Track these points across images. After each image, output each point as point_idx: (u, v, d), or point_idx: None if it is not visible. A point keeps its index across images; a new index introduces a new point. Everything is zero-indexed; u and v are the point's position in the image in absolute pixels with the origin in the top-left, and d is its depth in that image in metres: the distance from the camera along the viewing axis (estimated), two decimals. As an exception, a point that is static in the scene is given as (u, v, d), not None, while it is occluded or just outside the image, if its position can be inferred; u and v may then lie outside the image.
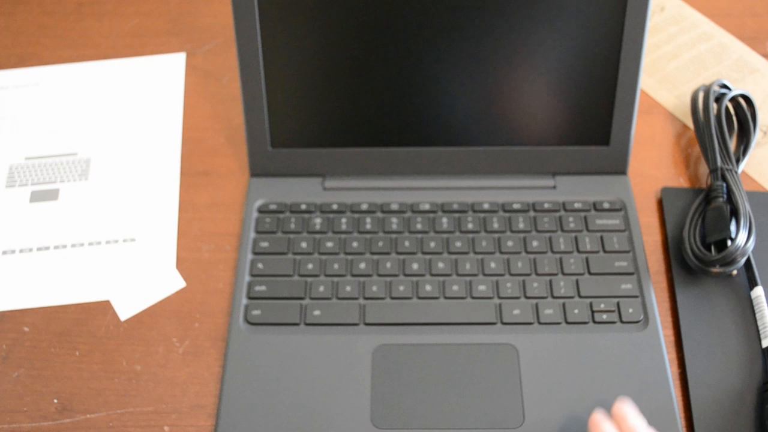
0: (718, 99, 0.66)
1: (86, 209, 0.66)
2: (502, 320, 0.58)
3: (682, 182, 0.66)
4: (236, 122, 0.71)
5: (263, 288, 0.60)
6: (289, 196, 0.64)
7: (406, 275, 0.60)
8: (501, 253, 0.61)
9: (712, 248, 0.59)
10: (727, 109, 0.67)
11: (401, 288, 0.59)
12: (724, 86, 0.67)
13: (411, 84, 0.62)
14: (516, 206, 0.63)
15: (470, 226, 0.62)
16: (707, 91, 0.66)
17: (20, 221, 0.65)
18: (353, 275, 0.60)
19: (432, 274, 0.60)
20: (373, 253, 0.61)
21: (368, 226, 0.63)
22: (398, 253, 0.61)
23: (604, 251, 0.61)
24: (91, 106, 0.73)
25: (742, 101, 0.67)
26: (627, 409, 0.49)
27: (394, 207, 0.64)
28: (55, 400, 0.56)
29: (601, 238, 0.61)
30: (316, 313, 0.58)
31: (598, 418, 0.50)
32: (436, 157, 0.64)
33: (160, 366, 0.58)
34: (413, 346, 0.57)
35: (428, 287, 0.59)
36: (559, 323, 0.58)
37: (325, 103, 0.63)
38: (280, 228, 0.63)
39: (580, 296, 0.59)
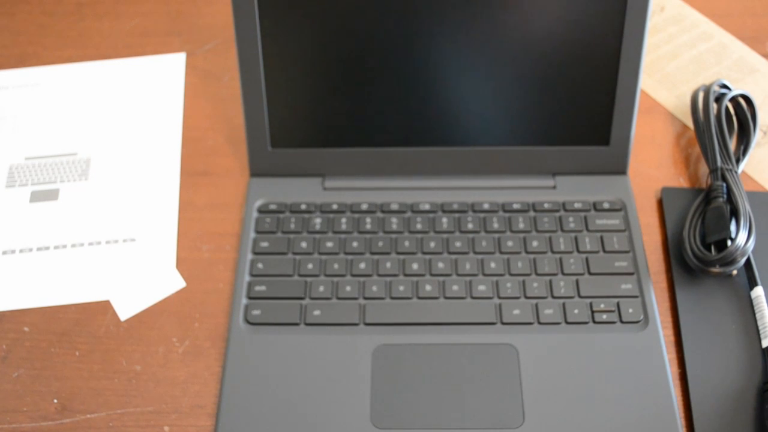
0: (718, 99, 0.66)
1: (86, 209, 0.66)
2: (502, 320, 0.58)
3: (682, 182, 0.66)
4: (236, 122, 0.71)
5: (263, 288, 0.60)
6: (289, 196, 0.64)
7: (406, 275, 0.60)
8: (501, 253, 0.61)
9: (712, 248, 0.59)
10: (727, 109, 0.67)
11: (401, 288, 0.59)
12: (724, 86, 0.67)
13: (411, 84, 0.62)
14: (516, 206, 0.63)
15: (470, 226, 0.62)
16: (707, 91, 0.66)
17: (20, 221, 0.65)
18: (353, 275, 0.60)
19: (432, 274, 0.60)
20: (373, 253, 0.61)
21: (368, 226, 0.63)
22: (398, 253, 0.61)
23: (604, 251, 0.61)
24: (91, 106, 0.73)
25: (742, 101, 0.67)
26: None
27: (394, 207, 0.64)
28: (55, 400, 0.56)
29: (601, 238, 0.61)
30: (316, 313, 0.58)
31: None
32: (435, 157, 0.64)
33: (160, 366, 0.58)
34: (413, 346, 0.57)
35: (428, 287, 0.59)
36: (559, 323, 0.57)
37: (325, 103, 0.63)
38: (280, 228, 0.63)
39: (580, 296, 0.59)
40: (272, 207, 0.64)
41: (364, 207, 0.64)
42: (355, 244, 0.62)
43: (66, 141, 0.70)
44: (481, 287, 0.59)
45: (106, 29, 0.79)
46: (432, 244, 0.61)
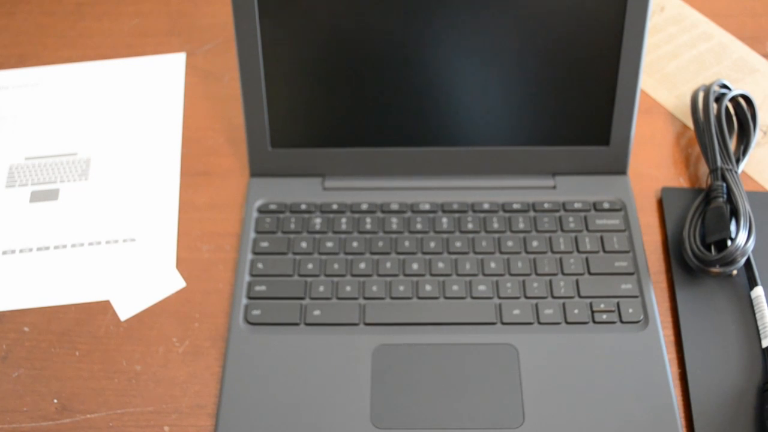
0: (718, 99, 0.66)
1: (86, 209, 0.66)
2: (502, 320, 0.58)
3: (682, 182, 0.66)
4: (236, 122, 0.71)
5: (263, 288, 0.60)
6: (289, 196, 0.64)
7: (406, 275, 0.60)
8: (501, 253, 0.61)
9: (712, 248, 0.59)
10: (727, 109, 0.67)
11: (401, 288, 0.59)
12: (724, 86, 0.67)
13: (411, 84, 0.62)
14: (516, 206, 0.63)
15: (470, 226, 0.62)
16: (707, 91, 0.66)
17: (20, 221, 0.65)
18: (353, 275, 0.60)
19: (432, 274, 0.60)
20: (373, 253, 0.61)
21: (368, 226, 0.63)
22: (398, 253, 0.61)
23: (604, 251, 0.61)
24: (91, 106, 0.73)
25: (742, 101, 0.67)
26: None
27: (394, 207, 0.64)
28: (55, 400, 0.56)
29: (601, 238, 0.61)
30: (316, 313, 0.58)
31: None
32: (435, 157, 0.64)
33: (160, 366, 0.58)
34: (413, 346, 0.57)
35: (428, 287, 0.59)
36: (559, 323, 0.58)
37: (324, 103, 0.63)
38: (280, 228, 0.63)
39: (580, 296, 0.59)
40: (272, 207, 0.64)
41: (364, 207, 0.64)
42: (355, 244, 0.62)
43: (66, 141, 0.70)
44: (481, 287, 0.59)
45: (106, 29, 0.79)
46: (432, 244, 0.61)
